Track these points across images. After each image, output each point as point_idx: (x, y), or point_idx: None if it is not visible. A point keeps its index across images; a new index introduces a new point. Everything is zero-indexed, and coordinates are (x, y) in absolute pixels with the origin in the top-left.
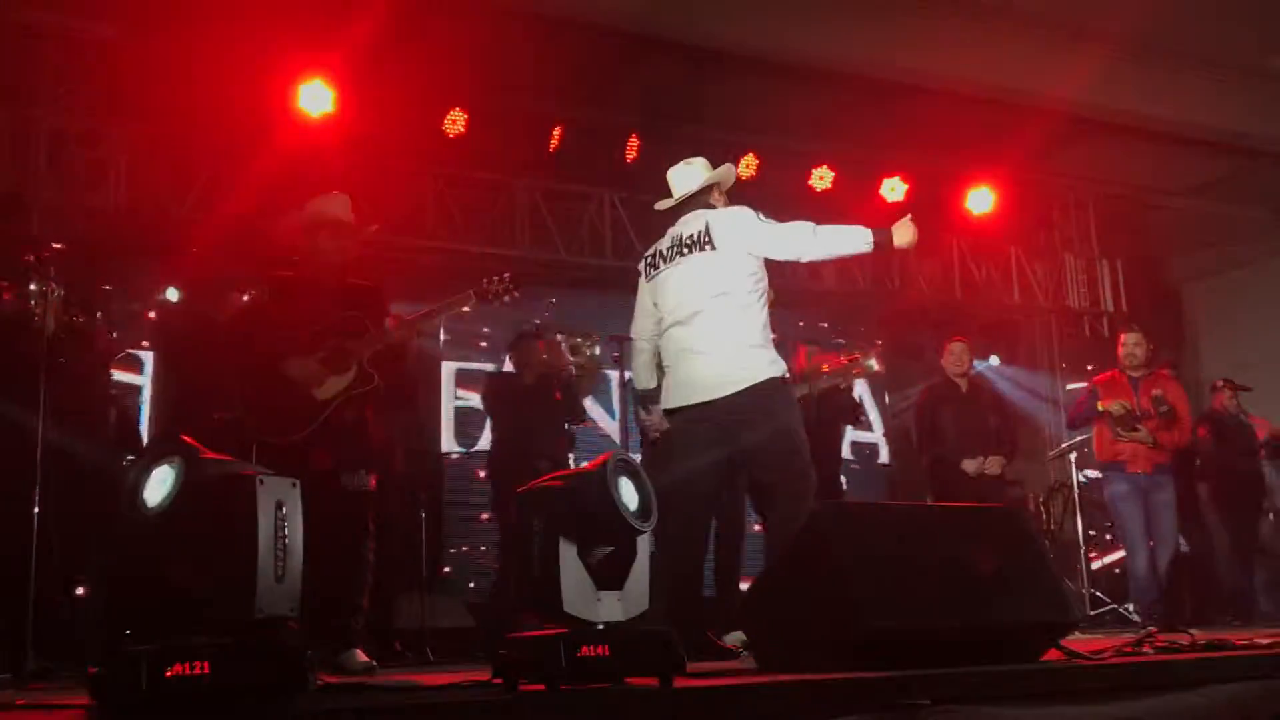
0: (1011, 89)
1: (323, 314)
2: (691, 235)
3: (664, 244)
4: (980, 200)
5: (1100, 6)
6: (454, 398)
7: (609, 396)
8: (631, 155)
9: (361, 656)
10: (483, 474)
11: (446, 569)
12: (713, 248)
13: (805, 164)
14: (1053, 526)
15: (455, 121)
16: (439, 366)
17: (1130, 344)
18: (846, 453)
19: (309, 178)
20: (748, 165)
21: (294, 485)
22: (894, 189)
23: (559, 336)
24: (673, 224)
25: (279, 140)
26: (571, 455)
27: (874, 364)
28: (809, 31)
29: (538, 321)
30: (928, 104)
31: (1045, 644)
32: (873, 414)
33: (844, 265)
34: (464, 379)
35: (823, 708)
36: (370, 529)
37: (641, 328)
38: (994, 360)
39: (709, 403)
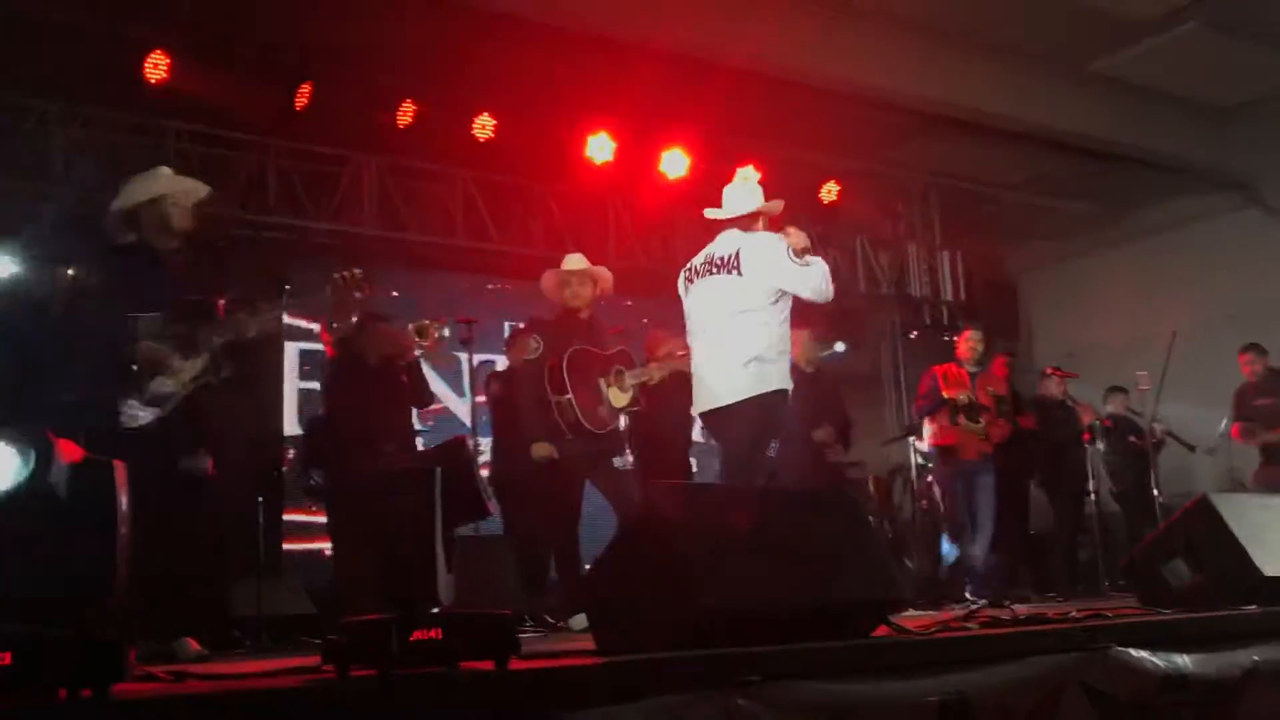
0: (863, 84)
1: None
2: (723, 256)
3: (699, 260)
4: (829, 192)
5: (943, 6)
6: (298, 380)
7: (460, 379)
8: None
9: (194, 645)
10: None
11: (286, 554)
12: (739, 273)
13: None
14: (892, 508)
15: (301, 94)
16: (281, 348)
17: (972, 340)
18: (698, 435)
19: None
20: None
21: (117, 468)
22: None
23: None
24: (712, 239)
25: None
26: (420, 440)
27: None
28: None
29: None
30: (787, 98)
31: (875, 620)
32: None
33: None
34: (308, 361)
35: (655, 686)
36: (206, 513)
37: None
38: (840, 347)
39: (717, 410)
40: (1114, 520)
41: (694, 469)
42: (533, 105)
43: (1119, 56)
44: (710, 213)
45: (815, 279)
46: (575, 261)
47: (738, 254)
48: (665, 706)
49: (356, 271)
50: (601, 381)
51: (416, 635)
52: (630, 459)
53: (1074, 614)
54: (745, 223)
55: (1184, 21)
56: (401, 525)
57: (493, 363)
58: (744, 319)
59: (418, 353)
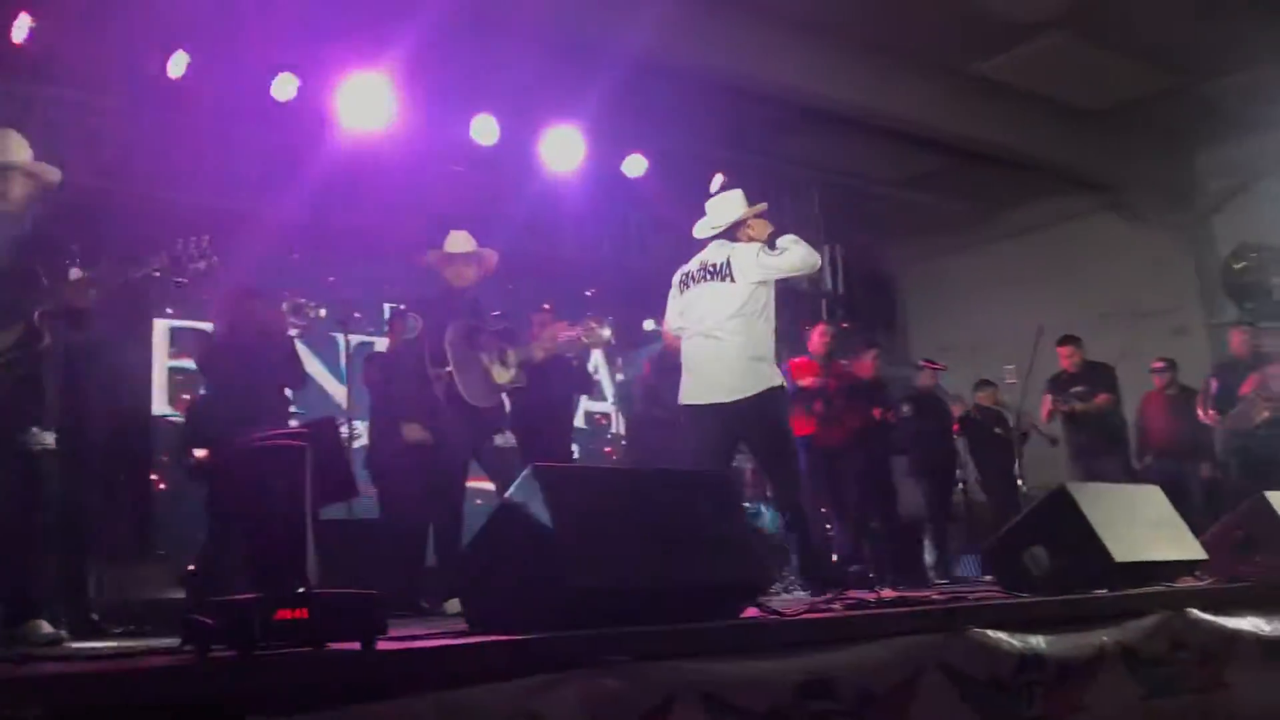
0: (746, 77)
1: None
2: (715, 264)
3: (694, 267)
4: (716, 183)
5: (827, 4)
6: (167, 358)
7: (336, 360)
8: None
9: (45, 627)
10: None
11: (154, 536)
12: (731, 280)
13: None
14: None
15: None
16: (150, 324)
17: (825, 334)
18: (580, 422)
19: None
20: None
21: None
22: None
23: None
24: (702, 248)
25: None
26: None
27: (607, 334)
28: None
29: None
30: (672, 88)
31: (744, 602)
32: (606, 384)
33: (587, 235)
34: (180, 338)
35: (523, 667)
36: (53, 489)
37: (670, 323)
38: None
39: (721, 404)
40: (981, 509)
41: (575, 453)
42: (417, 84)
43: (996, 59)
44: (700, 232)
45: (797, 256)
46: (461, 242)
47: (728, 261)
48: (531, 686)
49: (204, 239)
50: (484, 357)
51: (281, 615)
52: (512, 438)
53: (935, 597)
54: (731, 232)
55: (1055, 29)
56: (269, 503)
57: (371, 345)
58: (738, 322)
59: (293, 332)
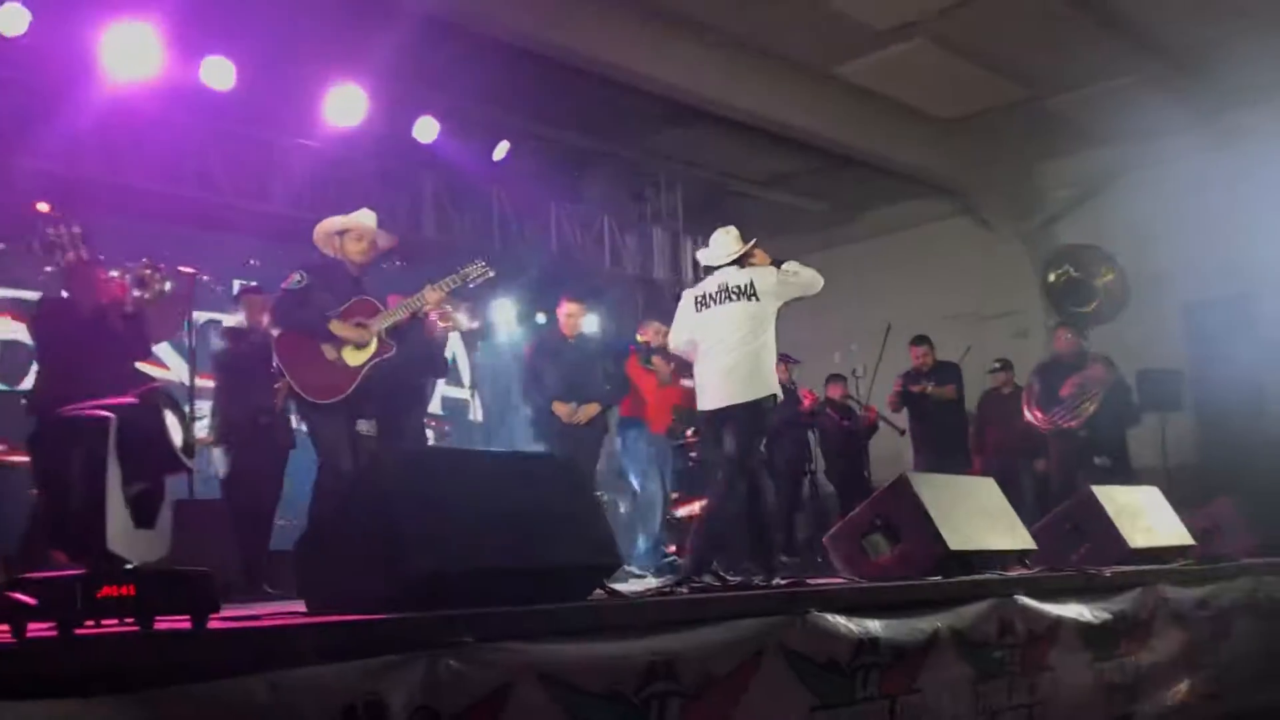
0: (615, 68)
1: None
2: (738, 285)
3: (711, 289)
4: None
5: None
6: None
7: (180, 338)
8: None
9: None
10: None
11: None
12: (756, 299)
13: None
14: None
15: None
16: None
17: (656, 331)
18: (436, 407)
19: None
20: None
21: None
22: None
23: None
24: (712, 273)
25: None
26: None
27: (465, 319)
28: None
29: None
30: (541, 75)
31: (592, 584)
32: (465, 371)
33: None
34: (10, 308)
35: (363, 647)
36: None
37: (676, 340)
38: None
39: (731, 406)
40: (829, 499)
41: (430, 439)
42: (277, 57)
43: (855, 63)
44: (709, 259)
45: (809, 276)
46: (366, 218)
47: (751, 283)
48: (372, 668)
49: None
50: (327, 349)
51: (105, 592)
52: (372, 424)
53: (779, 582)
54: (743, 260)
55: (914, 36)
56: (68, 477)
57: (218, 321)
58: (754, 337)
59: (136, 294)
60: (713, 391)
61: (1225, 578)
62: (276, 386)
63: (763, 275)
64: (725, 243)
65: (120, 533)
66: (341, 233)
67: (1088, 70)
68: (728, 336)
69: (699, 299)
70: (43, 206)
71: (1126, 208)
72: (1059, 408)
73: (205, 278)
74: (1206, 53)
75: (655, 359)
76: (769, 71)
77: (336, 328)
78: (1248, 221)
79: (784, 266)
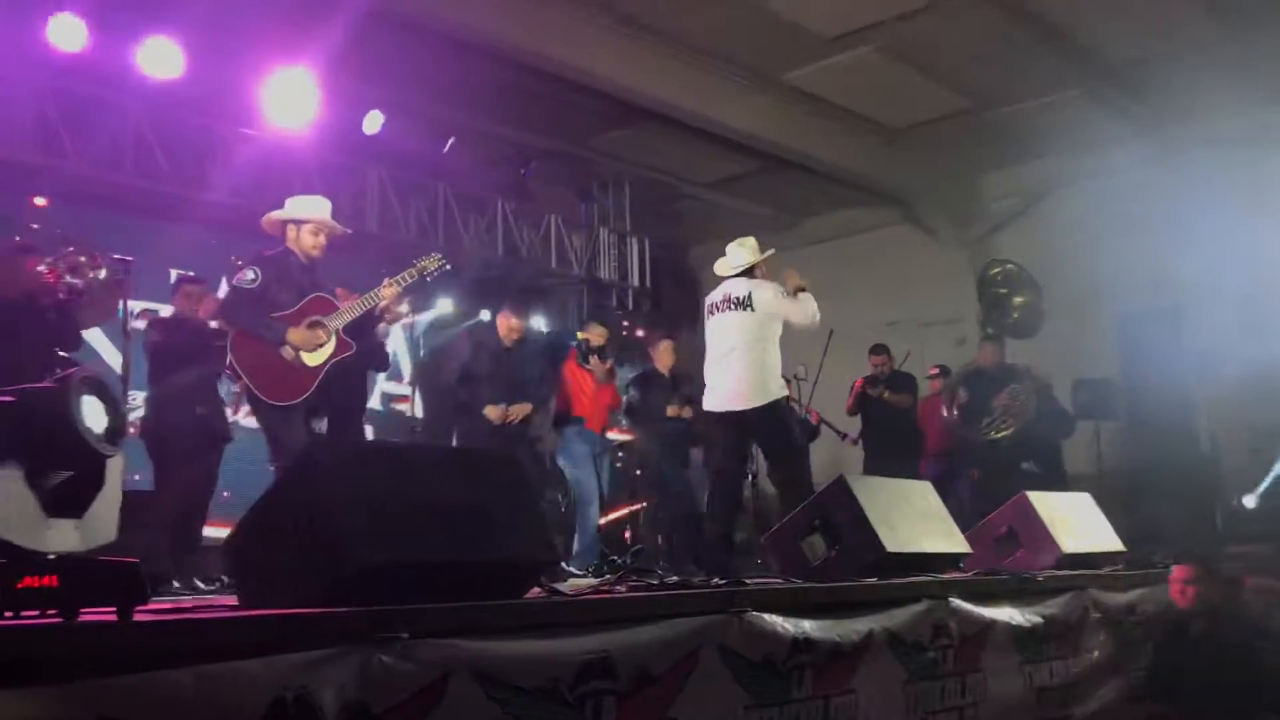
0: (565, 66)
1: None
2: (738, 297)
3: (718, 297)
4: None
5: (649, 4)
6: None
7: (115, 326)
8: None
9: None
10: None
11: None
12: (752, 310)
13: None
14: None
15: None
16: None
17: (594, 332)
18: (375, 403)
19: None
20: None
21: None
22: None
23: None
24: (722, 282)
25: None
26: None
27: (405, 310)
28: None
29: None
30: (491, 72)
31: (530, 581)
32: (405, 366)
33: (391, 221)
34: None
35: (294, 641)
36: None
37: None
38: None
39: (734, 412)
40: (770, 501)
41: (370, 434)
42: (223, 44)
43: (806, 70)
44: (722, 269)
45: (807, 312)
46: (322, 207)
47: (749, 295)
48: (302, 661)
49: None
50: (285, 350)
51: (26, 582)
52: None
53: (717, 581)
54: (750, 271)
55: (862, 45)
56: None
57: (154, 311)
58: (752, 345)
59: (69, 281)
60: (717, 394)
61: (1153, 583)
62: (235, 389)
63: (761, 289)
64: (736, 254)
65: (20, 521)
66: (299, 223)
67: (1030, 83)
68: (728, 344)
69: (710, 306)
70: (39, 201)
71: (1065, 219)
72: (989, 418)
73: (141, 265)
74: (1144, 70)
75: (593, 359)
76: (718, 75)
77: (294, 336)
78: (1179, 235)
79: (792, 291)
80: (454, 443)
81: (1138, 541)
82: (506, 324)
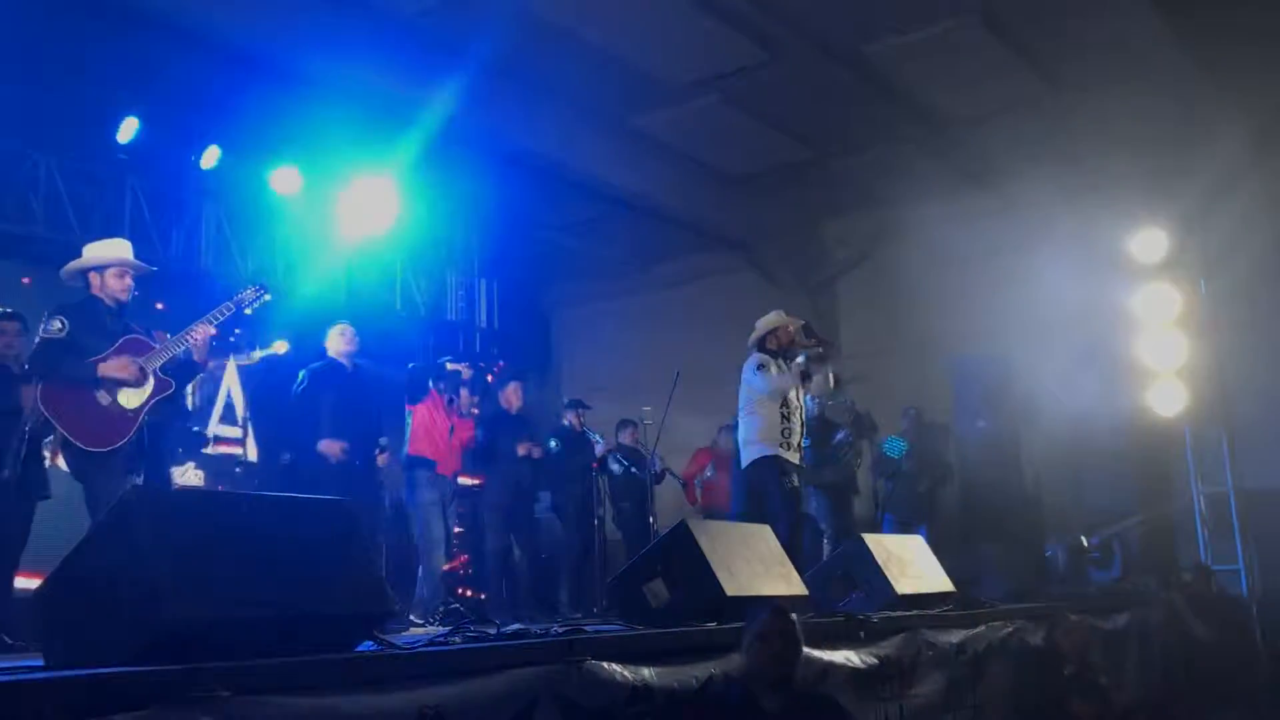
0: (397, 97)
1: None
2: (741, 365)
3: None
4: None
5: (501, 43)
6: None
7: None
8: None
9: None
10: None
11: None
12: (741, 382)
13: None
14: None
15: None
16: None
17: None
18: (210, 446)
19: None
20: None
21: None
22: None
23: None
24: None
25: None
26: None
27: (258, 355)
28: None
29: None
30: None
31: (362, 634)
32: (238, 406)
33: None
34: None
35: (104, 704)
36: None
37: None
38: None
39: (745, 469)
40: (616, 545)
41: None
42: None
43: (652, 115)
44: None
45: (770, 384)
46: (123, 248)
47: (742, 368)
48: None
49: None
50: (101, 395)
51: None
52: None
53: (556, 629)
54: (761, 342)
55: (706, 93)
56: None
57: None
58: (742, 412)
59: None
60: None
61: (982, 623)
62: (48, 440)
63: (747, 365)
64: (756, 326)
65: None
66: (101, 268)
67: (869, 135)
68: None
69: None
70: None
71: (902, 266)
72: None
73: None
74: (975, 127)
75: (463, 391)
76: (567, 116)
77: (107, 369)
78: (1006, 285)
79: (781, 363)
80: (290, 481)
81: (968, 582)
82: (342, 336)
